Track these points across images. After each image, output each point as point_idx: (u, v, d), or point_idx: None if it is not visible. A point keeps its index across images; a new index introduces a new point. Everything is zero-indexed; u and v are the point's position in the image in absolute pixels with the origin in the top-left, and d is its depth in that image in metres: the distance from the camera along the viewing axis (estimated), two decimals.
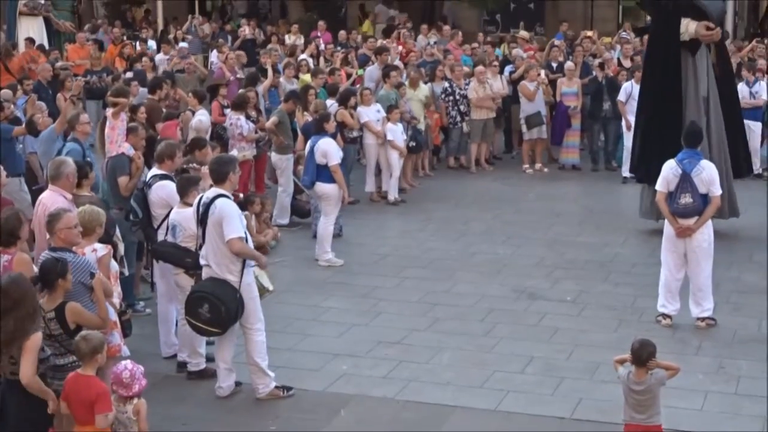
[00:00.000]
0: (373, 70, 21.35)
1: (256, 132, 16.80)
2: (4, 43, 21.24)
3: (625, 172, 19.61)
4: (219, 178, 10.03)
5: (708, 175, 11.69)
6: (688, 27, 15.51)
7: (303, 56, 23.23)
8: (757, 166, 20.19)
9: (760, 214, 17.08)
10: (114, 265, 9.71)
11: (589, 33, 26.40)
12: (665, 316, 11.98)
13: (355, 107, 17.99)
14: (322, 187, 14.66)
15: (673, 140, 15.45)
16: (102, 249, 9.36)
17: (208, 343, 10.70)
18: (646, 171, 15.85)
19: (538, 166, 20.96)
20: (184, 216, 10.47)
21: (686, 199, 11.67)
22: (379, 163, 18.37)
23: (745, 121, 19.81)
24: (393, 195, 18.23)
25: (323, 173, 14.59)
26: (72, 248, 8.89)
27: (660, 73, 16.07)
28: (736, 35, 30.62)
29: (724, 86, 16.13)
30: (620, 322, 12.17)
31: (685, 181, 11.66)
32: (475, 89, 20.51)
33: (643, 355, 8.17)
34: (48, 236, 9.14)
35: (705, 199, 11.68)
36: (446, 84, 20.63)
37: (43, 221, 9.47)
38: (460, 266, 14.51)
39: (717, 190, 11.71)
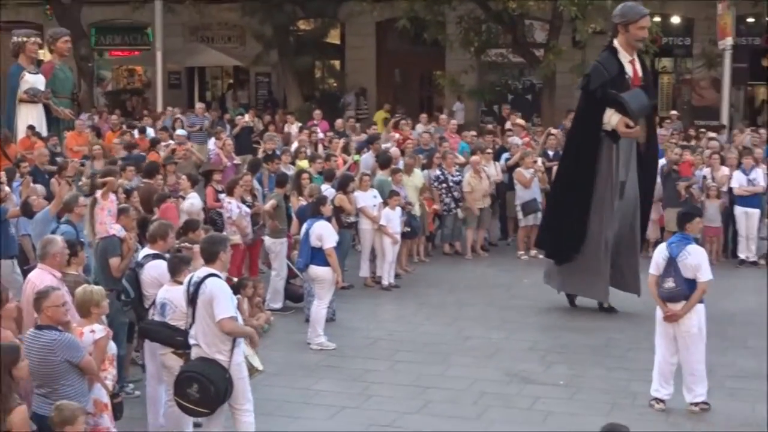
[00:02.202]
0: (368, 158, 21.48)
1: (249, 216, 16.84)
2: (3, 130, 21.33)
3: None
4: (210, 258, 10.03)
5: (694, 260, 11.64)
6: (611, 119, 15.90)
7: (296, 143, 23.42)
8: (753, 253, 20.23)
9: (754, 300, 17.08)
10: (112, 347, 9.67)
11: None
12: (658, 400, 11.90)
13: (352, 192, 18.06)
14: (316, 270, 14.65)
15: (576, 219, 16.43)
16: (100, 331, 9.34)
17: (196, 425, 10.61)
18: (546, 241, 17.34)
19: (533, 252, 20.93)
20: (174, 294, 10.44)
21: (669, 284, 11.66)
22: (374, 249, 18.38)
23: (743, 208, 20.04)
24: (387, 280, 18.21)
25: (318, 256, 14.59)
26: (59, 326, 8.85)
27: (576, 154, 16.67)
28: (732, 126, 30.82)
29: (647, 169, 16.68)
30: (613, 406, 12.09)
31: (671, 265, 11.66)
32: (470, 181, 20.58)
33: None
34: (36, 314, 9.11)
35: (692, 284, 11.63)
36: (438, 172, 20.74)
37: (31, 299, 9.44)
38: (454, 350, 14.45)
39: (704, 276, 11.62)
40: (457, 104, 37.12)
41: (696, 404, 11.77)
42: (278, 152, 21.39)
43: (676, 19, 36.71)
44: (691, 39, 37.13)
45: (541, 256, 20.67)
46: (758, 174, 20.40)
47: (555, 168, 21.17)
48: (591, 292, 16.65)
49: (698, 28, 35.53)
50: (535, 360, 13.95)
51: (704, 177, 20.85)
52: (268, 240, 16.91)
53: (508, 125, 27.03)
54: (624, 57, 16.07)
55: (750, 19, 35.86)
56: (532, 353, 14.31)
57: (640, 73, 16.26)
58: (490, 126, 29.03)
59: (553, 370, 13.48)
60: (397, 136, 24.50)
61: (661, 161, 19.31)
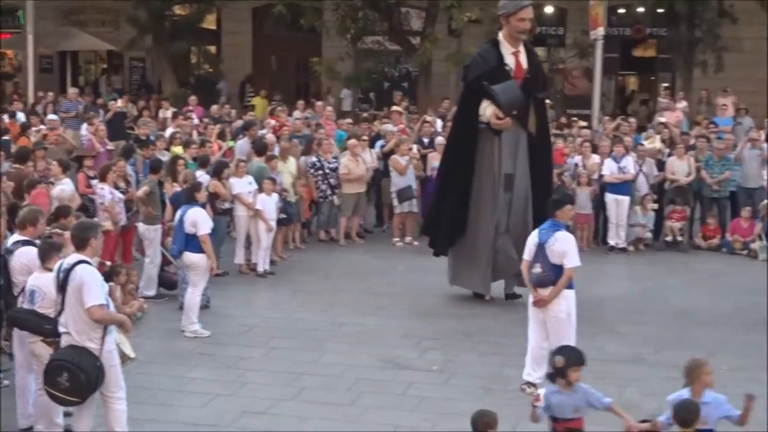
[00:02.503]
0: (243, 144, 21.37)
1: (122, 202, 16.63)
2: None
3: None
4: (80, 244, 9.87)
5: (562, 246, 11.77)
6: (486, 111, 15.95)
7: (171, 129, 23.22)
8: (622, 240, 20.64)
9: (622, 286, 17.46)
10: None
11: None
12: (530, 384, 12.06)
13: (228, 178, 17.94)
14: (190, 256, 14.53)
15: (454, 211, 16.45)
16: None
17: (66, 414, 10.44)
18: (429, 231, 17.37)
19: (408, 239, 21.08)
20: (43, 281, 10.24)
21: (537, 269, 11.82)
22: (250, 235, 18.30)
23: (613, 195, 20.43)
24: (262, 267, 18.15)
25: (192, 243, 14.48)
26: None
27: (455, 145, 16.75)
28: (603, 114, 31.37)
29: (539, 161, 16.46)
30: (486, 391, 12.22)
31: (539, 251, 11.82)
32: (347, 164, 20.63)
33: (478, 426, 8.22)
34: None
35: (559, 269, 11.78)
36: (314, 158, 20.73)
37: None
38: (328, 337, 14.46)
39: (570, 262, 11.76)
40: (344, 91, 37.14)
41: None
42: (153, 138, 21.15)
43: (549, 9, 37.19)
44: (564, 29, 37.67)
45: (416, 243, 20.89)
46: (628, 162, 20.82)
47: (430, 155, 21.40)
48: (471, 284, 16.74)
49: (571, 18, 36.04)
50: (410, 346, 14.04)
51: (576, 165, 21.23)
52: (141, 226, 16.72)
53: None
54: (506, 49, 16.04)
55: (621, 10, 36.52)
56: (406, 339, 14.39)
57: (524, 65, 16.13)
58: (365, 114, 29.08)
59: (428, 356, 13.58)
60: (273, 122, 24.43)
61: None
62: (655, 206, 21.07)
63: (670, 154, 22.02)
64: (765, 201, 20.90)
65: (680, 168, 21.34)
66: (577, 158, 21.41)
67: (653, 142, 22.67)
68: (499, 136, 15.99)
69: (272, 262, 18.58)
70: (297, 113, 27.29)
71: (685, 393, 8.98)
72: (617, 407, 9.29)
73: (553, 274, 11.70)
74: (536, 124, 16.37)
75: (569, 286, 11.82)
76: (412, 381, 12.58)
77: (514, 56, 16.08)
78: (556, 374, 9.12)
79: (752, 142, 21.93)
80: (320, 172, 20.68)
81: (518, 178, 16.15)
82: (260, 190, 18.23)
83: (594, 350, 13.41)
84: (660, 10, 33.48)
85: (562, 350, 9.33)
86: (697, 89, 32.87)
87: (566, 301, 11.85)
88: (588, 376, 12.28)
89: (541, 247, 11.77)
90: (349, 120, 25.71)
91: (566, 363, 9.06)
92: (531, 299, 12.04)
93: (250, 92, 38.13)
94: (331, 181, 20.69)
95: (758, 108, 31.31)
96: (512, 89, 15.84)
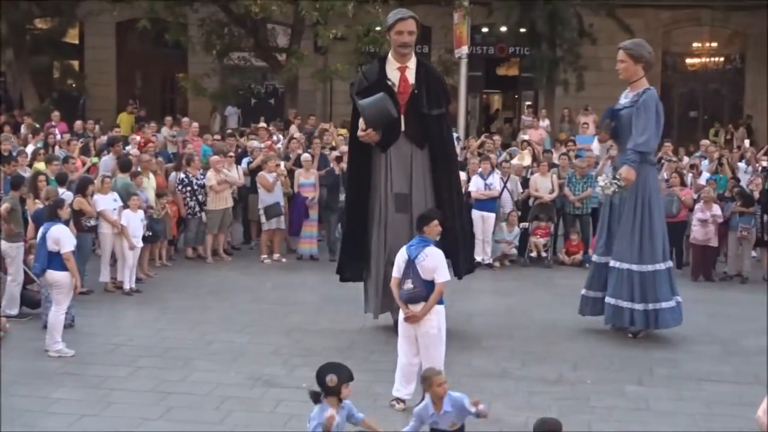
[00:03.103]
0: (108, 160, 21.10)
1: None
2: None
3: None
4: None
5: (432, 262, 11.83)
6: (361, 124, 15.38)
7: (32, 145, 22.81)
8: (488, 255, 20.89)
9: (488, 301, 17.65)
10: None
11: (327, 126, 26.85)
12: (399, 400, 12.11)
13: (92, 195, 17.67)
14: (53, 274, 14.25)
15: (350, 236, 15.95)
16: None
17: None
18: (339, 265, 16.57)
19: (276, 256, 21.05)
20: None
21: (408, 285, 11.85)
22: (115, 253, 18.06)
23: (479, 212, 20.69)
24: (129, 285, 17.92)
25: (55, 260, 14.19)
26: None
27: (351, 166, 16.31)
28: (468, 132, 31.80)
29: (441, 177, 15.56)
30: (355, 407, 12.20)
31: (409, 267, 11.86)
32: (213, 176, 20.56)
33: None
34: None
35: (431, 285, 11.85)
36: (182, 175, 20.58)
37: None
38: (196, 355, 14.32)
39: (440, 277, 11.82)
40: (229, 109, 36.90)
41: None
42: (14, 153, 20.73)
43: None
44: (428, 47, 38.06)
45: (284, 260, 20.86)
46: (495, 179, 21.12)
47: (297, 172, 21.41)
48: (368, 306, 16.19)
49: (435, 36, 36.47)
50: (278, 363, 13.98)
51: None
52: (3, 244, 16.33)
53: (293, 129, 27.05)
54: (392, 65, 15.48)
55: (484, 29, 37.07)
56: (275, 357, 14.32)
57: (411, 80, 15.43)
58: (229, 130, 28.97)
59: (297, 373, 13.52)
60: (138, 138, 24.17)
61: None
62: (526, 225, 21.40)
63: (533, 172, 22.43)
64: None
65: (543, 185, 21.74)
66: None
67: (522, 159, 23.04)
68: (387, 154, 15.37)
69: (138, 280, 18.37)
70: (164, 130, 27.04)
71: (428, 402, 9.67)
72: (372, 421, 9.72)
73: (425, 290, 11.76)
74: (434, 140, 15.54)
75: (440, 302, 11.91)
76: (281, 398, 12.52)
77: (399, 71, 15.45)
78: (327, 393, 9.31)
79: (612, 160, 22.38)
80: (188, 188, 20.54)
81: (416, 198, 15.31)
82: (125, 206, 18.02)
83: (461, 365, 13.66)
84: (522, 30, 34.12)
85: (334, 368, 9.45)
86: (559, 107, 33.55)
87: (437, 317, 11.92)
88: (456, 390, 12.48)
89: (411, 263, 11.82)
90: (217, 136, 25.57)
91: (338, 381, 9.30)
92: (401, 316, 12.07)
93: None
94: (200, 197, 20.56)
95: None
96: (378, 103, 15.13)
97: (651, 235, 15.72)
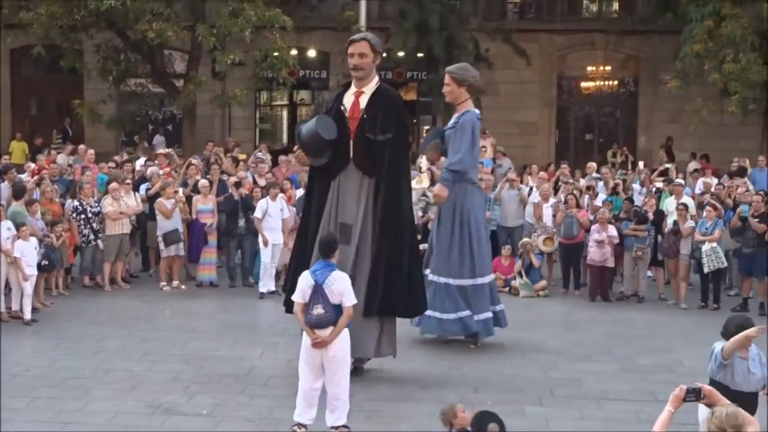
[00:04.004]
0: (2, 188, 20.76)
1: None
2: None
3: (263, 288, 19.99)
4: None
5: (339, 286, 11.89)
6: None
7: None
8: None
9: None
10: None
11: (220, 151, 26.63)
12: (300, 425, 12.05)
13: None
14: None
15: (295, 266, 14.57)
16: None
17: None
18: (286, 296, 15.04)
19: (175, 283, 20.87)
20: None
21: (318, 310, 11.83)
22: (10, 282, 17.75)
23: None
24: (25, 314, 17.61)
25: None
26: None
27: (307, 194, 15.62)
28: None
29: (385, 207, 14.55)
30: None
31: (317, 292, 11.85)
32: (111, 204, 20.35)
33: None
34: None
35: (339, 309, 11.89)
36: (76, 202, 20.33)
37: None
38: (94, 384, 14.11)
39: (349, 301, 11.89)
40: (157, 137, 36.56)
41: (337, 427, 12.00)
42: None
43: (312, 53, 37.62)
44: (327, 72, 38.17)
45: (183, 287, 20.70)
46: None
47: (195, 198, 21.28)
48: None
49: (333, 61, 36.54)
50: (179, 391, 13.83)
51: None
52: None
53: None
54: (351, 90, 14.94)
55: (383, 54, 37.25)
56: (175, 384, 14.17)
57: (362, 105, 14.70)
58: (125, 155, 28.73)
59: (197, 400, 13.41)
60: (33, 165, 23.85)
61: None
62: (425, 245, 21.39)
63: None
64: (524, 239, 21.65)
65: None
66: None
67: (420, 182, 23.13)
68: (336, 181, 14.64)
69: (35, 309, 18.05)
70: (61, 157, 26.69)
71: None
72: None
73: (334, 315, 11.75)
74: (382, 168, 14.60)
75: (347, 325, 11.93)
76: (180, 426, 12.40)
77: (355, 96, 14.81)
78: None
79: (510, 182, 22.70)
80: (82, 216, 20.28)
81: (363, 229, 14.51)
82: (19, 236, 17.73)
83: (362, 391, 13.63)
84: (420, 55, 34.37)
85: (490, 417, 9.99)
86: None
87: (345, 340, 11.93)
88: (358, 416, 12.54)
89: (318, 288, 11.78)
90: (112, 164, 25.31)
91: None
92: (306, 341, 11.97)
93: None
94: (94, 225, 20.32)
95: (515, 149, 32.50)
96: (310, 126, 14.67)
97: (470, 251, 16.26)
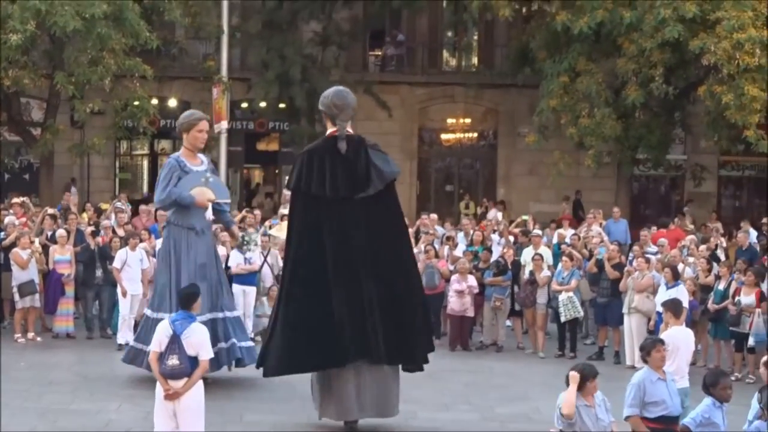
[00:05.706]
0: None
1: None
2: None
3: (121, 339, 19.69)
4: None
5: (198, 338, 11.80)
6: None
7: None
8: (249, 329, 20.68)
9: (249, 373, 17.54)
10: None
11: (73, 205, 26.21)
12: None
13: None
14: None
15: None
16: None
17: None
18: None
19: (30, 335, 20.41)
20: None
21: (173, 361, 11.71)
22: None
23: (240, 286, 20.45)
24: None
25: None
26: None
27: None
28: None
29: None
30: None
31: (174, 342, 11.74)
32: None
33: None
34: None
35: (194, 361, 11.77)
36: None
37: None
38: None
39: (205, 354, 11.82)
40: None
41: None
42: None
43: (173, 102, 37.35)
44: None
45: (39, 339, 20.25)
46: (255, 253, 21.06)
47: (52, 248, 20.89)
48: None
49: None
50: None
51: None
52: None
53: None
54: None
55: (244, 104, 37.20)
56: None
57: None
58: None
59: None
60: None
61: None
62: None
63: None
64: None
65: None
66: None
67: (281, 230, 23.03)
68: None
69: None
70: None
71: None
72: None
73: (189, 366, 11.65)
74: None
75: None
76: None
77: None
78: None
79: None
80: None
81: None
82: None
83: None
84: (282, 105, 34.45)
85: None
86: None
87: (198, 391, 11.83)
88: None
89: (176, 338, 11.68)
90: None
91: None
92: (159, 391, 11.84)
93: None
94: None
95: None
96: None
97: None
